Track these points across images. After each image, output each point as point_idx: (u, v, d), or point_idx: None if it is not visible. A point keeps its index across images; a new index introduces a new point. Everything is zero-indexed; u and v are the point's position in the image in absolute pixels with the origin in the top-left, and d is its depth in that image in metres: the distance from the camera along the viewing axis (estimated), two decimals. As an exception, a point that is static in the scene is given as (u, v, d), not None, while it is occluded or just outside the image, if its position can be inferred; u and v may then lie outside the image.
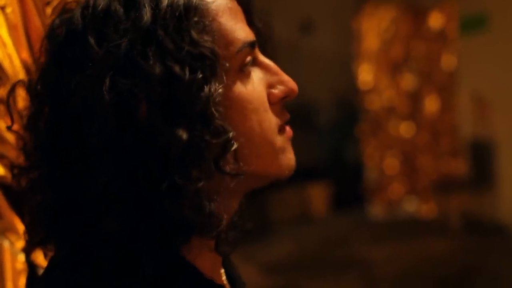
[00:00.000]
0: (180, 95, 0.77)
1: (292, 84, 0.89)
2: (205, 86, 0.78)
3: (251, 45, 0.87)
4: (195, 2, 0.82)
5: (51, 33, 0.85)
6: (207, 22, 0.83)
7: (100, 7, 0.81)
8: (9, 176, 1.04)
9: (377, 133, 8.94)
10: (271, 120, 0.87)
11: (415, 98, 8.73)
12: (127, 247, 0.79)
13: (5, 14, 1.03)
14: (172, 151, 0.76)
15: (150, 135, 0.77)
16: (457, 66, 8.43)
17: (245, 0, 0.93)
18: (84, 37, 0.80)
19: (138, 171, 0.77)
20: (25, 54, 1.05)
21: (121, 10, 0.80)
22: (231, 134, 0.80)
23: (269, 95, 0.88)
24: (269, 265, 7.01)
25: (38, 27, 1.05)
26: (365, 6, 9.01)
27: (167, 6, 0.80)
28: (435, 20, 8.52)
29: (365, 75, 8.91)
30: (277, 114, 0.89)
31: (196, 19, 0.82)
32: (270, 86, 0.89)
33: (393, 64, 8.76)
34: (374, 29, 8.82)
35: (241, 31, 0.87)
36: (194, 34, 0.80)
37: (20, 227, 1.07)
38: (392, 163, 8.91)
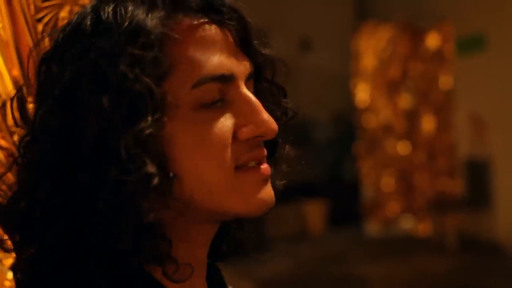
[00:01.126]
0: (104, 128, 0.76)
1: (267, 124, 0.84)
2: (130, 123, 0.76)
3: (220, 80, 0.82)
4: (152, 28, 0.78)
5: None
6: (161, 51, 0.78)
7: (73, 23, 0.83)
8: None
9: (374, 151, 8.94)
10: (227, 159, 0.82)
11: (412, 117, 8.74)
12: (78, 263, 0.80)
13: None
14: (88, 181, 0.77)
15: (75, 162, 0.78)
16: (454, 86, 8.47)
17: (238, 28, 0.87)
18: (50, 61, 0.83)
19: (71, 191, 0.79)
20: (16, 72, 1.04)
21: (86, 29, 0.81)
22: (149, 171, 0.76)
23: (238, 132, 0.83)
24: (265, 281, 7.01)
25: (29, 44, 1.02)
26: (364, 26, 9.05)
27: (119, 33, 0.78)
28: (433, 40, 8.56)
29: (363, 93, 8.93)
30: (243, 151, 0.84)
31: (144, 50, 0.77)
32: (243, 122, 0.84)
33: (391, 83, 8.78)
34: (372, 48, 8.85)
35: (208, 64, 0.81)
36: (130, 69, 0.76)
37: (8, 243, 1.03)
38: (388, 182, 8.93)
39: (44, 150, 0.79)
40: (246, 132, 0.83)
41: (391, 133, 8.86)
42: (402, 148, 8.83)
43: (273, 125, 0.84)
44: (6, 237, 0.90)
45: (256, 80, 0.91)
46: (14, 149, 1.00)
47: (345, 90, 9.40)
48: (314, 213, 9.49)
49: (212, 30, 0.83)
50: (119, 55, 0.76)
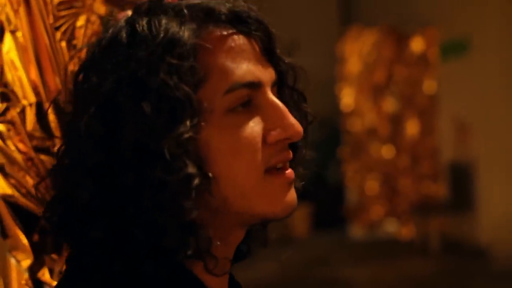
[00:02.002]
0: (145, 131, 0.81)
1: (294, 128, 0.88)
2: (171, 127, 0.81)
3: (249, 86, 0.86)
4: (186, 39, 0.83)
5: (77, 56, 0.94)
6: (196, 60, 0.83)
7: (109, 37, 0.87)
8: (16, 194, 1.07)
9: (359, 155, 9.01)
10: (258, 162, 0.86)
11: (396, 121, 8.82)
12: (127, 259, 0.84)
13: (15, 38, 1.07)
14: (132, 181, 0.82)
15: (118, 164, 0.83)
16: (437, 90, 8.55)
17: (262, 37, 0.92)
18: (89, 70, 0.87)
19: (114, 191, 0.83)
20: (34, 75, 1.08)
21: (122, 41, 0.85)
22: (189, 171, 0.81)
23: (266, 136, 0.87)
24: (250, 285, 7.02)
25: (48, 50, 1.08)
26: (349, 30, 9.12)
27: (155, 45, 0.83)
28: (417, 45, 8.65)
29: (348, 97, 9.02)
30: (272, 154, 0.88)
31: (180, 60, 0.82)
32: (271, 126, 0.88)
33: (375, 87, 8.86)
34: (357, 53, 8.93)
35: (238, 72, 0.86)
36: (170, 77, 0.81)
37: (26, 245, 1.09)
38: (373, 185, 9.00)
39: (88, 154, 0.83)
40: (274, 135, 0.87)
41: (376, 137, 8.94)
42: (387, 152, 8.91)
43: (299, 128, 0.88)
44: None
45: (279, 87, 0.95)
46: (32, 153, 1.05)
47: (330, 94, 9.44)
48: (299, 216, 9.46)
49: (240, 40, 0.88)
50: (158, 64, 0.81)
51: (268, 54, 0.92)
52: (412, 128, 8.75)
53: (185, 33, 0.83)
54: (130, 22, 0.87)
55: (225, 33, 0.87)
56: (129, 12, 0.90)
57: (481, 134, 7.78)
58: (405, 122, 8.78)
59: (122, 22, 0.88)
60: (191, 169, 0.80)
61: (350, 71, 8.98)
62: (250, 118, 0.86)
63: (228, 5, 0.89)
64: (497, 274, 6.79)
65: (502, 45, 7.38)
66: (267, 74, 0.89)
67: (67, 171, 0.87)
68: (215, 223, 0.87)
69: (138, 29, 0.85)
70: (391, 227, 9.07)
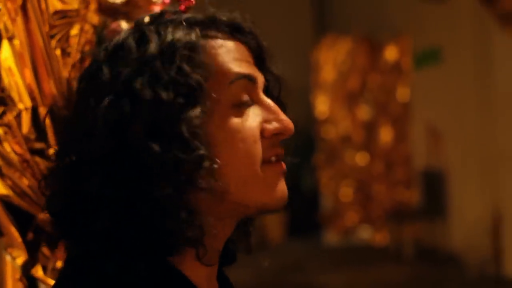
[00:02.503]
0: (163, 115, 0.88)
1: (287, 122, 0.95)
2: (184, 110, 0.88)
3: (248, 78, 0.95)
4: (191, 41, 0.92)
5: (81, 62, 1.00)
6: (200, 58, 0.92)
7: (119, 40, 0.94)
8: (11, 195, 1.12)
9: (333, 162, 9.10)
10: (257, 151, 0.93)
11: (370, 129, 8.92)
12: (121, 255, 0.89)
13: (12, 45, 1.13)
14: (148, 163, 0.87)
15: (133, 151, 0.88)
16: (411, 98, 8.67)
17: (255, 47, 1.00)
18: (100, 67, 0.93)
19: (122, 180, 0.89)
20: (30, 80, 1.14)
21: (134, 43, 0.93)
22: (201, 153, 0.88)
23: (263, 129, 0.94)
24: None
25: (44, 57, 1.14)
26: (323, 39, 9.22)
27: (167, 43, 0.91)
28: (391, 53, 8.77)
29: (322, 105, 9.10)
30: (267, 147, 0.94)
31: (186, 53, 0.91)
32: (266, 121, 0.95)
33: (350, 95, 8.96)
34: (331, 61, 9.03)
35: (237, 66, 0.95)
36: (184, 65, 0.90)
37: (20, 243, 1.15)
38: (347, 192, 9.09)
39: (100, 144, 0.89)
40: (270, 129, 0.94)
41: (350, 144, 9.04)
42: (361, 159, 9.00)
43: (291, 124, 0.95)
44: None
45: (265, 94, 1.01)
46: (28, 155, 1.11)
47: (305, 102, 9.52)
48: (274, 223, 9.58)
49: (237, 45, 0.97)
50: (172, 55, 0.90)
51: (258, 63, 0.99)
52: (385, 135, 8.87)
53: (192, 34, 0.93)
54: (137, 29, 0.95)
55: (225, 39, 0.96)
56: (122, 22, 0.95)
57: (453, 141, 7.89)
58: (379, 129, 8.89)
59: (126, 32, 0.96)
60: (204, 151, 0.87)
61: (325, 79, 9.08)
62: (250, 113, 0.93)
63: (227, 15, 0.98)
64: (470, 280, 6.90)
65: (474, 54, 7.48)
66: (259, 77, 0.97)
67: (72, 167, 0.93)
68: (214, 211, 0.92)
69: (148, 33, 0.93)
70: (366, 234, 9.15)
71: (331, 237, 9.25)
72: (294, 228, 9.66)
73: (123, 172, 0.89)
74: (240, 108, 0.93)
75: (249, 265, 5.53)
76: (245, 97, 0.94)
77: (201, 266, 0.93)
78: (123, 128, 0.89)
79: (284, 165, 0.97)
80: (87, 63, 0.99)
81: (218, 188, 0.90)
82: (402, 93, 8.70)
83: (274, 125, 0.94)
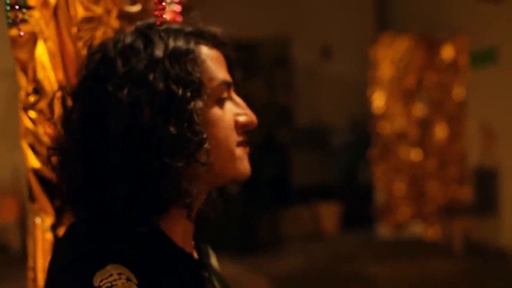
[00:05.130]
0: (174, 104, 1.10)
1: (252, 117, 1.23)
2: (191, 102, 1.11)
3: (227, 84, 1.21)
4: (191, 48, 1.16)
5: (90, 55, 1.18)
6: (199, 62, 1.15)
7: (127, 41, 1.15)
8: (44, 169, 1.28)
9: (388, 157, 9.12)
10: (233, 137, 1.20)
11: (425, 126, 8.93)
12: (122, 213, 1.09)
13: (46, 45, 1.29)
14: (165, 141, 1.08)
15: (150, 130, 1.08)
16: (466, 97, 8.67)
17: (228, 56, 1.25)
18: (114, 60, 1.13)
19: (140, 153, 1.08)
20: (60, 76, 1.31)
21: (141, 45, 1.14)
22: (204, 135, 1.11)
23: (236, 121, 1.21)
24: (277, 277, 7.29)
25: (72, 56, 1.31)
26: (382, 36, 9.27)
27: (172, 48, 1.13)
28: (447, 52, 8.75)
29: (379, 101, 9.13)
30: (238, 134, 1.21)
31: (191, 57, 1.14)
32: (237, 115, 1.22)
33: (406, 92, 8.97)
34: (389, 58, 9.03)
35: (221, 73, 1.20)
36: (189, 66, 1.13)
37: (50, 208, 1.30)
38: (400, 187, 9.12)
39: (123, 121, 1.09)
40: (241, 120, 1.22)
41: (405, 140, 9.04)
42: (415, 155, 9.04)
43: (255, 118, 1.23)
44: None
45: None
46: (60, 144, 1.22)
47: (362, 97, 9.64)
48: (329, 214, 9.74)
49: (219, 54, 1.23)
50: (178, 58, 1.13)
51: (228, 68, 1.25)
52: (440, 132, 8.89)
53: (191, 43, 1.17)
54: (142, 33, 1.16)
55: (211, 48, 1.22)
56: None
57: (507, 141, 7.91)
58: (433, 127, 8.90)
59: (131, 34, 1.17)
60: (205, 134, 1.13)
61: (382, 75, 9.09)
62: (227, 107, 1.21)
63: (212, 30, 1.23)
64: None
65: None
66: (231, 79, 1.24)
67: (90, 144, 1.11)
68: (201, 180, 1.16)
69: (153, 38, 1.15)
70: (417, 228, 9.19)
71: (383, 231, 9.32)
72: (348, 220, 9.77)
73: (140, 147, 1.08)
74: (221, 103, 1.20)
75: (303, 253, 5.82)
76: (225, 94, 1.21)
77: (177, 224, 1.18)
78: (140, 112, 1.09)
79: (248, 148, 1.24)
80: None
81: (207, 163, 1.14)
82: (458, 92, 8.70)
83: (243, 118, 1.22)
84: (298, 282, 7.22)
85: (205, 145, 1.12)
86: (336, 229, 9.77)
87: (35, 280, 1.35)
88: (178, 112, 1.10)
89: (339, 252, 8.55)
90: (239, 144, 1.22)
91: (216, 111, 1.18)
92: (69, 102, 1.19)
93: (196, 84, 1.12)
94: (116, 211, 1.08)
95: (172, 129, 1.08)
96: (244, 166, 1.23)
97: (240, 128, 1.22)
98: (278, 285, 7.03)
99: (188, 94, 1.11)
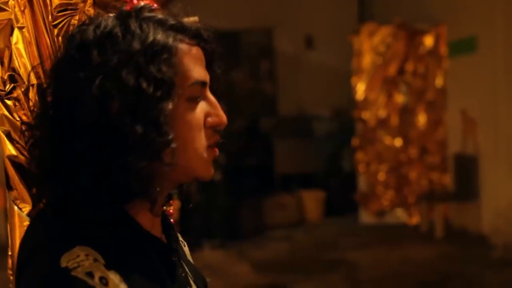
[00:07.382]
0: (142, 103, 1.06)
1: (223, 118, 1.18)
2: (161, 102, 1.07)
3: (202, 84, 1.15)
4: (169, 44, 1.11)
5: (70, 37, 1.15)
6: (173, 60, 1.10)
7: (107, 29, 1.10)
8: (20, 156, 1.26)
9: (370, 145, 9.25)
10: (201, 139, 1.15)
11: (406, 114, 9.07)
12: (89, 199, 1.08)
13: (22, 33, 1.27)
14: (130, 140, 1.05)
15: (117, 126, 1.05)
16: (446, 85, 8.81)
17: (209, 51, 1.20)
18: (90, 49, 1.09)
19: (104, 148, 1.05)
20: (36, 63, 1.28)
21: (120, 34, 1.09)
22: (171, 136, 1.07)
23: (205, 121, 1.16)
24: (261, 263, 7.37)
25: (47, 43, 1.28)
26: (365, 26, 9.38)
27: (149, 43, 1.09)
28: (428, 42, 8.91)
29: (362, 89, 9.25)
30: (208, 135, 1.17)
31: (165, 56, 1.09)
32: (208, 115, 1.17)
33: (388, 81, 9.11)
34: (371, 48, 9.16)
35: (196, 72, 1.14)
36: (161, 65, 1.08)
37: (27, 196, 1.27)
38: (382, 174, 9.26)
39: (90, 112, 1.06)
40: (210, 121, 1.17)
41: (387, 128, 9.18)
42: (396, 142, 9.17)
43: (225, 119, 1.19)
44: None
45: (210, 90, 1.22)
46: (33, 123, 1.21)
47: (345, 86, 9.74)
48: (312, 202, 9.82)
49: (198, 50, 1.18)
50: (152, 55, 1.09)
51: (208, 64, 1.22)
52: (421, 120, 9.03)
53: (170, 38, 1.12)
54: (122, 21, 1.12)
55: (191, 44, 1.17)
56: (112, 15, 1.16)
57: (487, 128, 8.00)
58: (414, 115, 9.04)
59: (112, 20, 1.13)
60: (172, 135, 1.08)
61: (365, 65, 9.22)
62: (198, 107, 1.16)
63: (194, 25, 1.19)
64: (497, 261, 7.00)
65: (509, 43, 7.59)
66: (207, 78, 1.19)
67: (60, 129, 1.09)
68: (166, 177, 1.15)
69: (132, 27, 1.10)
70: (399, 214, 9.30)
71: (366, 218, 9.42)
72: (332, 208, 9.85)
73: (105, 141, 1.06)
74: (192, 102, 1.15)
75: (286, 240, 5.89)
76: (197, 94, 1.16)
77: (144, 210, 1.15)
78: (109, 105, 1.06)
79: (217, 151, 1.21)
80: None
81: (172, 161, 1.11)
82: (438, 81, 8.85)
83: (213, 119, 1.18)
84: (281, 268, 7.27)
85: (171, 146, 1.09)
86: (319, 216, 9.83)
87: (13, 267, 1.33)
88: (146, 112, 1.07)
89: (323, 238, 8.61)
90: (208, 146, 1.19)
91: (186, 111, 1.14)
92: (44, 87, 1.18)
93: (167, 84, 1.08)
94: (79, 198, 1.09)
95: (138, 128, 1.06)
96: (207, 169, 1.20)
97: (209, 128, 1.19)
98: (262, 271, 7.09)
99: (159, 94, 1.07)
